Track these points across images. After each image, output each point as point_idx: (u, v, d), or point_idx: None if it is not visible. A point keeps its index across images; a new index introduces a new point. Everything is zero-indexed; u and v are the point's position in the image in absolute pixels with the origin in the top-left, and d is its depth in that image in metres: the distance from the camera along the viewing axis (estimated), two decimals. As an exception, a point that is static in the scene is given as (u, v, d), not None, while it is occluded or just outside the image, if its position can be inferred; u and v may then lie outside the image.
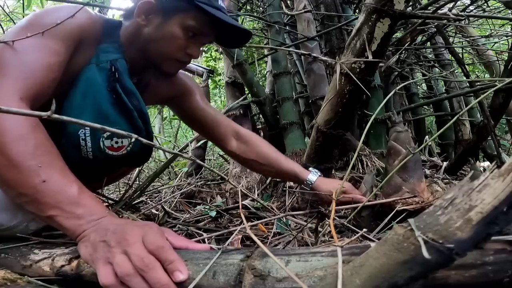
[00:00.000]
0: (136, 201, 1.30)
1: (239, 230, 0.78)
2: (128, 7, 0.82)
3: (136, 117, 0.78)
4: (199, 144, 2.01)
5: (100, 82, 0.74)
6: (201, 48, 0.86)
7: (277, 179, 1.34)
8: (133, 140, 0.43)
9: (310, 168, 1.00)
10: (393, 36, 1.61)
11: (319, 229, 0.72)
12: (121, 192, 1.69)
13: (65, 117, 0.36)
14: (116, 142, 0.77)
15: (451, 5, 1.16)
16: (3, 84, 0.59)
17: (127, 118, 0.78)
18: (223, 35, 0.85)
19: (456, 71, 2.29)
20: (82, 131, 0.73)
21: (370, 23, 0.81)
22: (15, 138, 0.54)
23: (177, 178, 1.84)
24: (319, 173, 0.98)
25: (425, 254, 0.28)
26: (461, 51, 2.13)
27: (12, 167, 0.53)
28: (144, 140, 0.44)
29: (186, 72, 1.76)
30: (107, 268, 0.46)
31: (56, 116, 0.34)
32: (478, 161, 1.62)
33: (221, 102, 4.97)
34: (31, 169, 0.53)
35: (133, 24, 0.79)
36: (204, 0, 0.75)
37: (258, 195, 1.38)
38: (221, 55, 2.37)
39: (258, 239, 0.46)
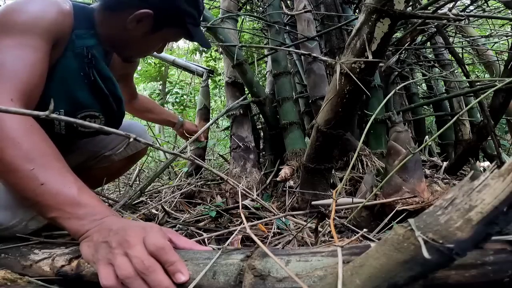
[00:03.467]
0: (136, 201, 1.30)
1: (239, 230, 0.78)
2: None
3: (111, 102, 0.84)
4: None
5: (76, 69, 0.77)
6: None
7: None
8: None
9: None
10: (393, 36, 1.61)
11: (319, 229, 0.72)
12: (121, 192, 1.69)
13: (63, 117, 0.37)
14: (89, 121, 0.80)
15: (451, 5, 1.16)
16: None
17: (102, 102, 0.83)
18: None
19: (456, 71, 2.29)
20: (57, 112, 0.75)
21: (370, 23, 0.81)
22: (9, 143, 0.54)
23: (177, 178, 1.83)
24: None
25: (425, 254, 0.28)
26: (461, 51, 2.12)
27: (10, 172, 0.54)
28: (143, 140, 0.44)
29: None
30: (108, 270, 0.46)
31: (54, 115, 0.34)
32: (478, 161, 1.62)
33: (221, 102, 4.95)
34: (28, 173, 0.53)
35: (118, 22, 0.79)
36: (192, 21, 0.83)
37: (258, 195, 1.38)
38: (221, 55, 2.37)
39: (258, 239, 0.46)
